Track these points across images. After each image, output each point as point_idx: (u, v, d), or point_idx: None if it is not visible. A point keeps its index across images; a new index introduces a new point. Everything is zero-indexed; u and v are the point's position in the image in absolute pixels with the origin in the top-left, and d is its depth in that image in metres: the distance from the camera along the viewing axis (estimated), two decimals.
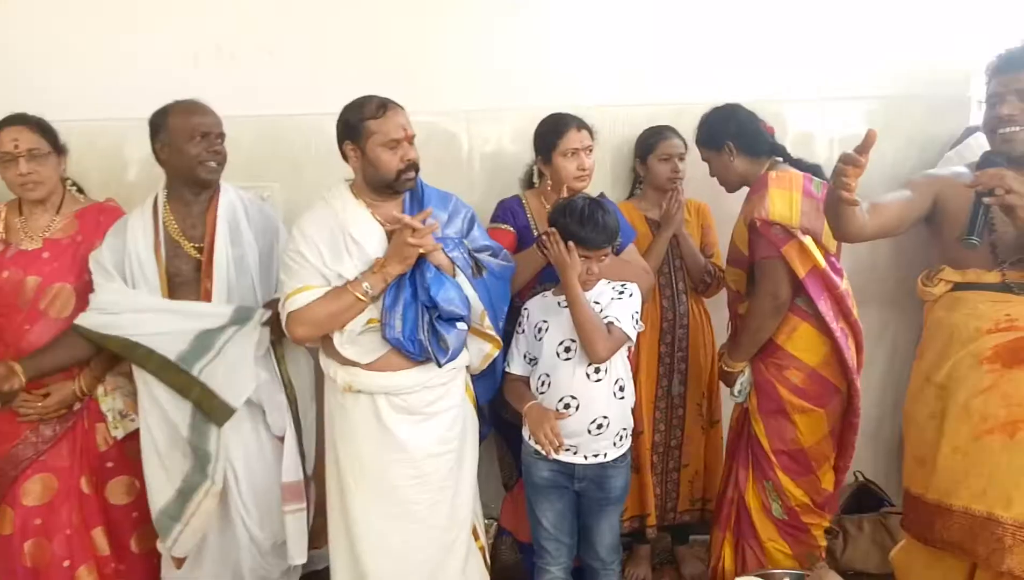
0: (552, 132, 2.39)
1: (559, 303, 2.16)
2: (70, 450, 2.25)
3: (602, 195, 2.50)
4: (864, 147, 1.72)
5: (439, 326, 2.05)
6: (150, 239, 2.18)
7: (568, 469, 2.16)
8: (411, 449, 2.09)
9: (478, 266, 2.14)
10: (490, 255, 2.23)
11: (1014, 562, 1.79)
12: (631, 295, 2.16)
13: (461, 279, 2.10)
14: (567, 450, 2.12)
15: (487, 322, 2.14)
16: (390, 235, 2.06)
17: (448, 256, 2.07)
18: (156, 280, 2.18)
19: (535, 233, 2.42)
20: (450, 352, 2.07)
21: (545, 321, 2.16)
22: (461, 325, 2.10)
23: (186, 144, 2.14)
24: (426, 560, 2.14)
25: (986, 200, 1.76)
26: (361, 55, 2.71)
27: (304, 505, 2.26)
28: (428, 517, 2.13)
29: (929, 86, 2.85)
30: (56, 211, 2.29)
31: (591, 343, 2.06)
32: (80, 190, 2.44)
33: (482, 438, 2.53)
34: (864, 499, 2.89)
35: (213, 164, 2.18)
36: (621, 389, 2.15)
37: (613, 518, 2.24)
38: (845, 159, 1.75)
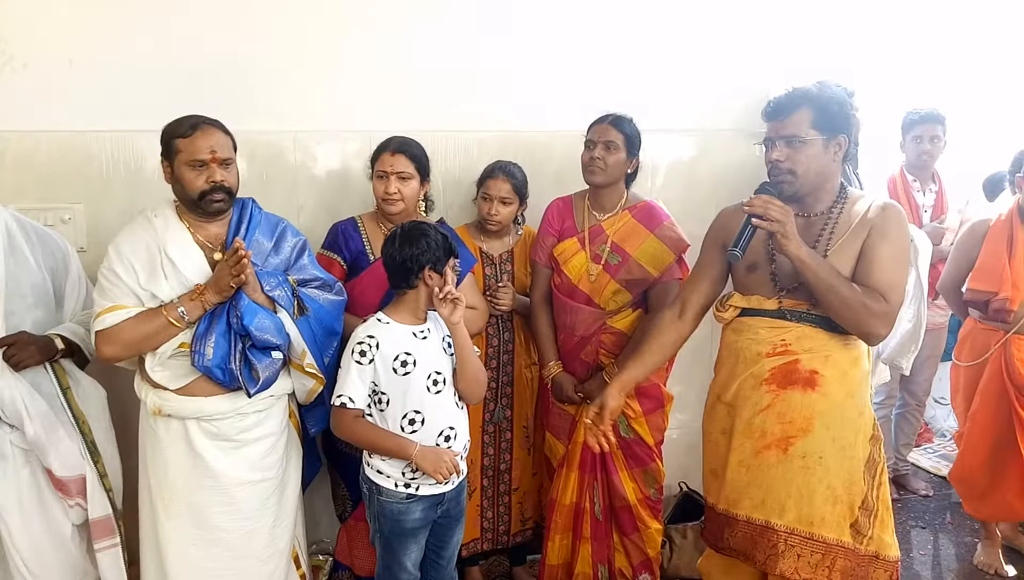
0: (374, 154, 2.44)
1: (414, 334, 2.06)
2: None
3: (441, 221, 2.51)
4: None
5: (251, 355, 2.01)
6: None
7: (438, 499, 2.12)
8: (221, 476, 2.06)
9: (300, 305, 2.09)
10: (320, 286, 2.18)
11: (786, 566, 1.97)
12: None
13: (283, 316, 2.06)
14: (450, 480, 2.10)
15: (308, 360, 2.11)
16: (211, 258, 2.04)
17: (268, 296, 2.04)
18: None
19: (371, 256, 2.41)
20: (261, 382, 2.03)
21: (408, 354, 2.03)
22: (276, 354, 2.05)
23: None
24: None
25: (754, 221, 1.93)
26: (179, 68, 2.53)
27: (118, 540, 2.17)
28: (242, 545, 2.10)
29: (740, 120, 3.07)
30: None
31: (479, 387, 2.14)
32: None
33: (314, 472, 2.44)
34: (688, 508, 3.04)
35: None
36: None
37: (461, 529, 2.24)
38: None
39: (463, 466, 2.14)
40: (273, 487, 2.14)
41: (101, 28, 2.50)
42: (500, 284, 2.62)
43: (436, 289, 2.03)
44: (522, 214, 2.70)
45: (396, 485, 2.07)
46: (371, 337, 2.02)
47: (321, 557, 2.74)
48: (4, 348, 1.98)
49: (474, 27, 2.80)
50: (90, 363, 2.20)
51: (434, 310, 2.08)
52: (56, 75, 2.48)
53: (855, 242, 1.97)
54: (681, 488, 3.11)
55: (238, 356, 1.99)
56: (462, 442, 2.13)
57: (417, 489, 2.07)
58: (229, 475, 2.06)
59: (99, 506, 2.12)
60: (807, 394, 1.98)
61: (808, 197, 2.02)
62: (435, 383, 2.06)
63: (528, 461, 2.79)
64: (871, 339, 1.97)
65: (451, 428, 2.09)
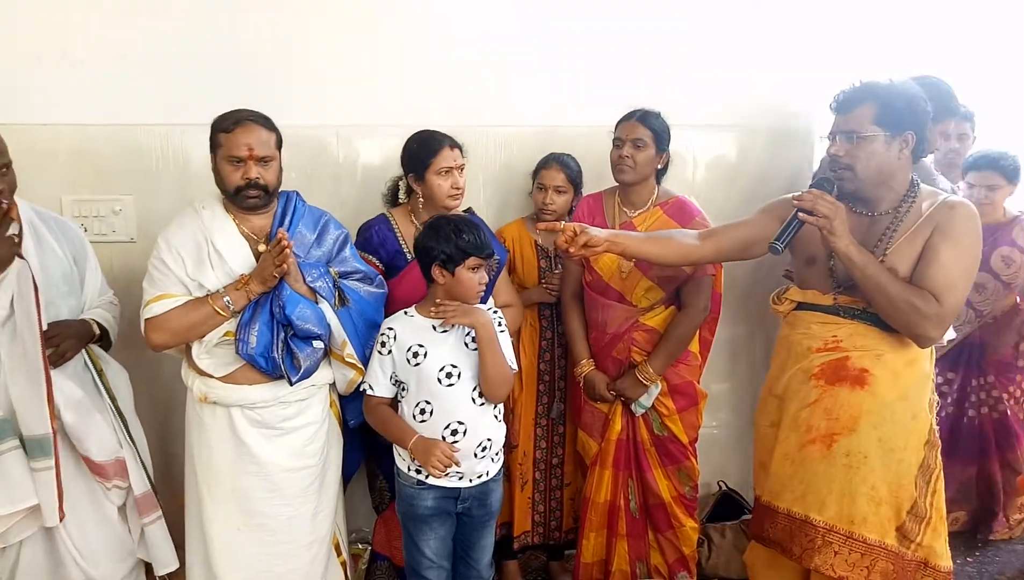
0: (425, 150, 2.35)
1: (434, 327, 2.09)
2: None
3: (469, 210, 2.51)
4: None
5: (293, 344, 2.06)
6: None
7: (453, 493, 2.13)
8: (264, 462, 2.10)
9: (342, 296, 2.13)
10: (361, 279, 2.21)
11: (821, 561, 1.96)
12: (505, 325, 2.15)
13: (324, 306, 2.10)
14: (457, 475, 2.09)
15: (348, 350, 2.14)
16: (255, 250, 2.09)
17: (310, 286, 2.08)
18: None
19: (408, 256, 2.38)
20: (302, 371, 2.07)
21: (421, 345, 2.08)
22: (317, 344, 2.09)
23: None
24: (284, 573, 2.16)
25: (800, 216, 1.90)
26: (224, 64, 2.58)
27: (160, 512, 2.21)
28: (284, 531, 2.14)
29: (778, 119, 3.04)
30: None
31: (497, 388, 2.08)
32: None
33: (355, 466, 2.47)
34: (727, 507, 3.01)
35: None
36: (500, 411, 2.16)
37: (490, 535, 2.23)
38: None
39: (481, 466, 2.12)
40: (315, 475, 2.18)
41: (151, 24, 2.56)
42: (555, 271, 2.62)
43: (435, 301, 2.04)
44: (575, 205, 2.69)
45: (408, 469, 2.11)
46: (390, 329, 2.09)
47: (360, 546, 2.77)
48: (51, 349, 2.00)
49: (513, 22, 2.81)
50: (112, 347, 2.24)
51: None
52: (108, 70, 2.55)
53: (917, 240, 1.92)
54: (720, 487, 3.08)
55: (280, 345, 2.04)
56: (476, 440, 2.09)
57: (426, 477, 2.09)
58: (272, 462, 2.11)
59: (140, 483, 2.17)
60: (855, 392, 1.95)
61: (871, 194, 1.98)
62: (448, 376, 2.06)
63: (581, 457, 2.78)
64: (921, 341, 1.93)
65: (460, 423, 2.07)
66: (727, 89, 3.00)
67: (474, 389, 2.08)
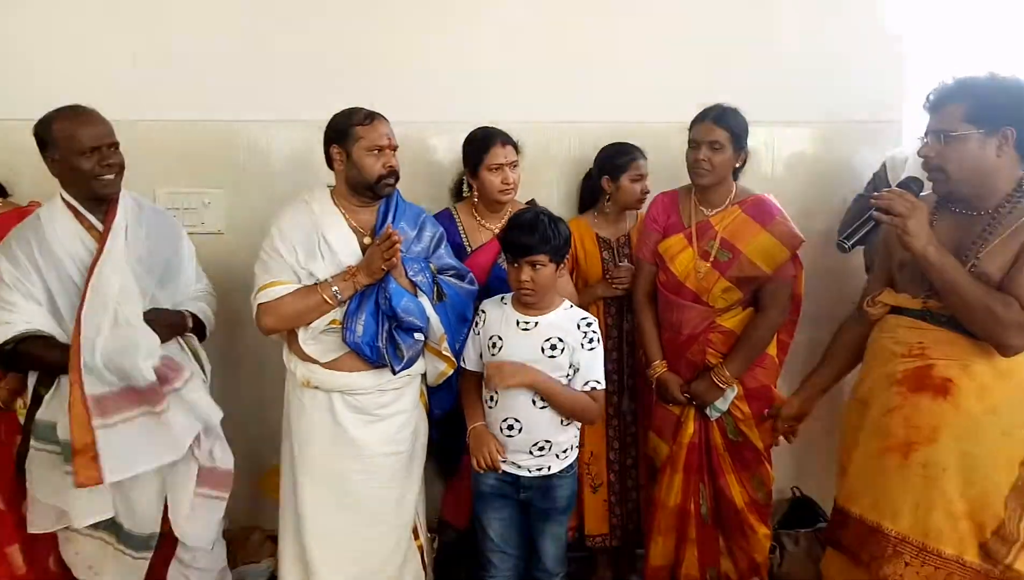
0: (479, 147, 2.46)
1: (517, 323, 2.13)
2: None
3: (532, 202, 2.56)
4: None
5: (397, 335, 2.15)
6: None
7: (513, 480, 2.17)
8: (360, 446, 2.21)
9: (439, 292, 2.22)
10: (454, 275, 2.29)
11: (890, 571, 1.89)
12: (598, 341, 2.15)
13: (423, 300, 2.18)
14: (513, 464, 2.14)
15: (445, 344, 2.23)
16: (361, 242, 2.19)
17: (411, 280, 2.17)
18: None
19: (468, 248, 2.48)
20: (405, 360, 2.16)
21: (500, 338, 2.13)
22: (418, 336, 2.19)
23: (77, 159, 1.99)
24: (369, 552, 2.26)
25: (874, 215, 1.84)
26: (310, 63, 2.68)
27: (227, 495, 2.25)
28: (375, 512, 2.25)
29: (861, 113, 2.93)
30: None
31: (580, 418, 2.18)
32: (2, 189, 2.35)
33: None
34: (800, 513, 2.94)
35: (109, 177, 2.04)
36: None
37: (558, 529, 2.24)
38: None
39: (539, 461, 2.14)
40: (405, 460, 2.28)
41: (243, 26, 2.68)
42: (620, 263, 2.62)
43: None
44: None
45: None
46: (483, 311, 2.21)
47: (430, 535, 2.81)
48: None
49: (587, 17, 2.80)
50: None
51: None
52: (202, 69, 2.67)
53: (1013, 243, 1.81)
54: (794, 493, 3.01)
55: (384, 335, 2.13)
56: (531, 439, 2.13)
57: None
58: (367, 446, 2.21)
59: (225, 459, 2.25)
60: (937, 402, 1.86)
61: (969, 194, 1.88)
62: None
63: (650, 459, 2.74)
64: (1004, 350, 1.81)
65: (516, 421, 2.11)
66: (806, 83, 2.91)
67: (538, 393, 2.11)
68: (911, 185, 1.90)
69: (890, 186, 2.35)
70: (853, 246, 1.92)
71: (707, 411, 2.45)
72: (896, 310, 1.99)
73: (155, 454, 2.03)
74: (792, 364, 2.64)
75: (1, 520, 2.16)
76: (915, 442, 1.89)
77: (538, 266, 2.06)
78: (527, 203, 2.58)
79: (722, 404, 2.43)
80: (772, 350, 2.49)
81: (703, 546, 2.54)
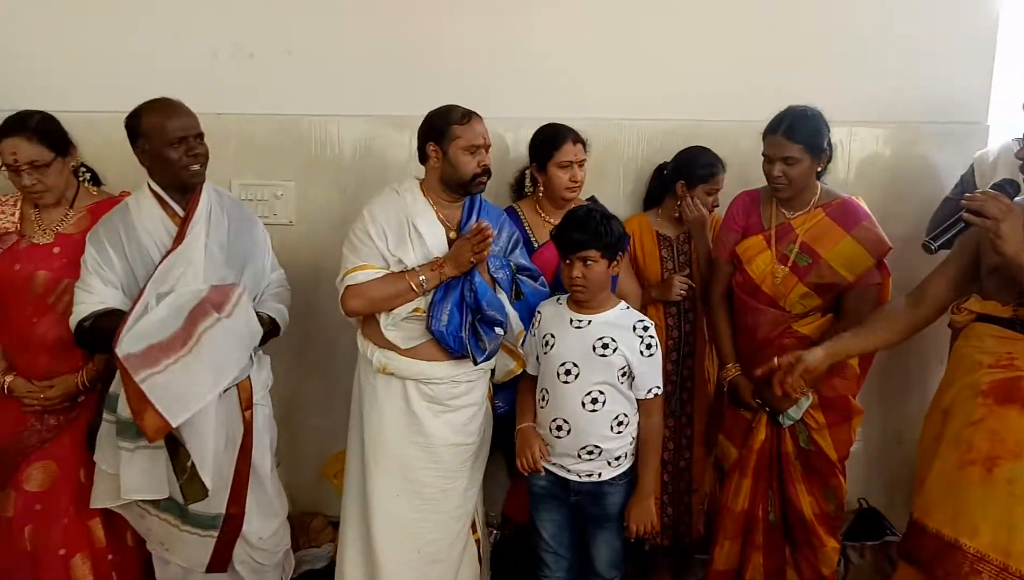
0: (549, 143, 2.47)
1: (571, 321, 2.14)
2: (71, 441, 2.24)
3: (592, 198, 2.56)
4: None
5: (480, 328, 2.19)
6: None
7: (562, 482, 2.17)
8: (430, 435, 2.24)
9: (518, 290, 2.26)
10: (529, 276, 2.33)
11: None
12: (656, 345, 2.14)
13: (503, 296, 2.22)
14: (560, 467, 2.15)
15: (520, 341, 2.27)
16: (449, 236, 2.23)
17: (492, 277, 2.21)
18: None
19: (535, 244, 2.49)
20: (487, 353, 2.20)
21: (553, 335, 2.14)
22: (499, 330, 2.22)
23: (165, 149, 2.06)
24: (432, 540, 2.28)
25: (964, 216, 1.77)
26: (380, 58, 2.72)
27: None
28: (439, 501, 2.28)
29: (945, 112, 2.84)
30: (70, 205, 2.28)
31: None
32: (95, 177, 2.45)
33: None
34: (867, 526, 2.87)
35: (195, 167, 2.10)
36: (620, 423, 2.14)
37: (611, 535, 2.22)
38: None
39: (588, 466, 2.13)
40: (471, 452, 2.31)
41: (314, 22, 2.72)
42: (679, 262, 2.59)
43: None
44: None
45: None
46: (539, 311, 2.23)
47: (488, 529, 2.83)
48: None
49: (659, 15, 2.77)
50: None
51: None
52: (276, 63, 2.73)
53: None
54: (861, 504, 2.93)
55: (467, 327, 2.17)
56: (580, 442, 2.11)
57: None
58: (437, 435, 2.24)
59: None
60: None
61: None
62: (567, 373, 2.11)
63: (708, 461, 2.72)
64: None
65: (565, 422, 2.11)
66: (882, 82, 2.82)
67: (587, 394, 2.09)
68: (1006, 187, 1.83)
69: (977, 188, 2.26)
70: (940, 248, 1.86)
71: (780, 418, 2.38)
72: (983, 318, 1.91)
73: (212, 382, 2.01)
74: (870, 375, 2.56)
75: (84, 494, 2.24)
76: (1000, 456, 1.81)
77: (589, 262, 2.06)
78: (587, 200, 2.57)
79: (795, 412, 2.36)
80: (853, 359, 2.38)
81: (769, 553, 2.49)
